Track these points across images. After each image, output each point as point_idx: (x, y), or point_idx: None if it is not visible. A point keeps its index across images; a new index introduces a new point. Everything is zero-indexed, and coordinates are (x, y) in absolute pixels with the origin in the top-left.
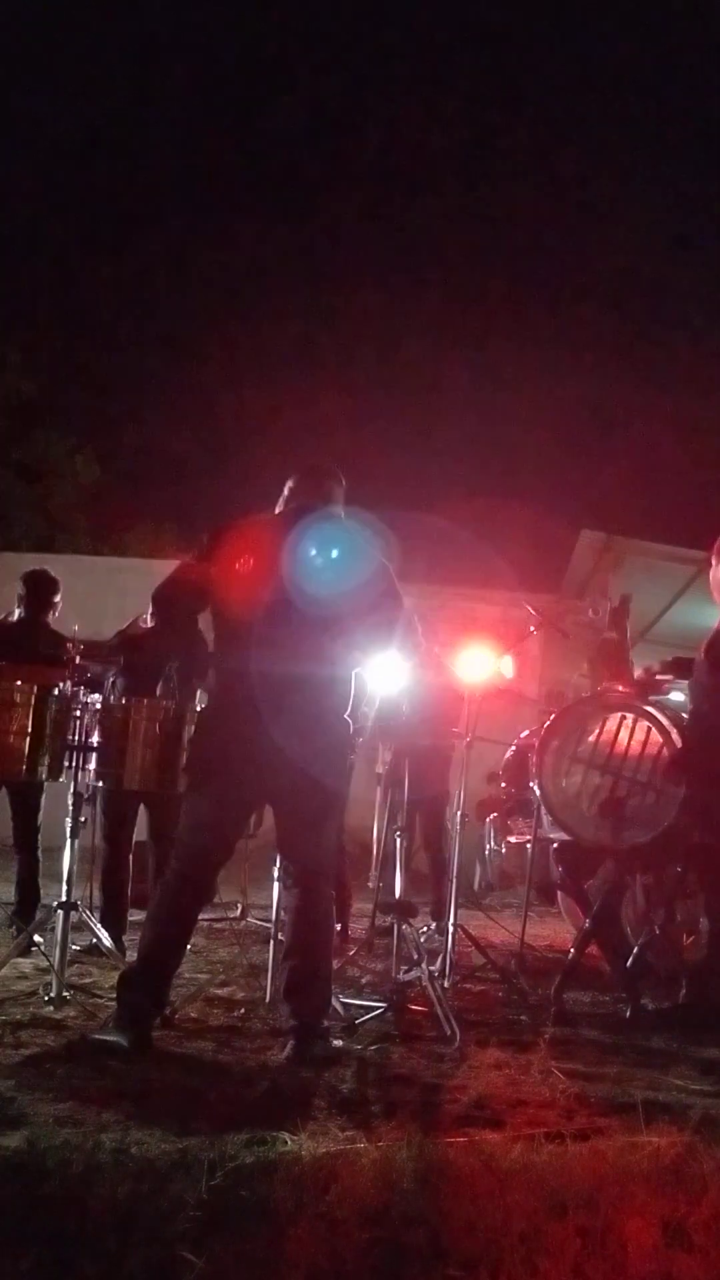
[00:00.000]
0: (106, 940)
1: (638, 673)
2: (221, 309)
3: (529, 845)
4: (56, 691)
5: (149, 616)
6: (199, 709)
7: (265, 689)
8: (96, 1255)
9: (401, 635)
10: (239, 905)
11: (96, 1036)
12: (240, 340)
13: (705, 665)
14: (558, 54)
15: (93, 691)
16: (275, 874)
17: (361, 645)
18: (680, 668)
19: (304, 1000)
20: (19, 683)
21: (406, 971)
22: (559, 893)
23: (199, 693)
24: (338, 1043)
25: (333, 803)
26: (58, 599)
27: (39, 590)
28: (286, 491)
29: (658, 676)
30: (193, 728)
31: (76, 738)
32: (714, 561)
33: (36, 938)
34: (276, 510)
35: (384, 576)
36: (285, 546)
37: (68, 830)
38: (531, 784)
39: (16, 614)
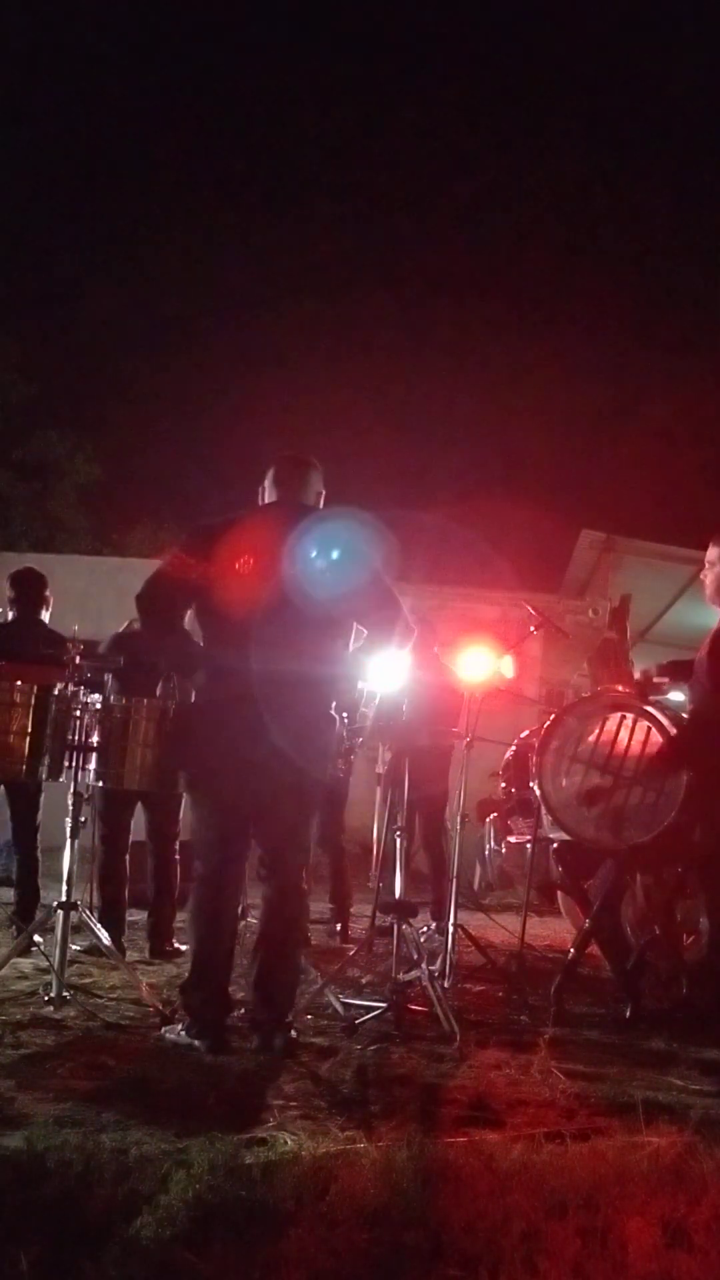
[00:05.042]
0: (106, 940)
1: (636, 674)
2: (223, 309)
3: (529, 845)
4: (56, 691)
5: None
6: (180, 705)
7: (261, 687)
8: (96, 1255)
9: (401, 633)
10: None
11: (172, 1038)
12: (242, 340)
13: (706, 667)
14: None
15: (93, 691)
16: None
17: (364, 643)
18: (678, 671)
19: (270, 992)
20: (19, 683)
21: (406, 971)
22: (559, 893)
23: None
24: (294, 1034)
25: (315, 801)
26: (48, 594)
27: (27, 588)
28: (268, 481)
29: (655, 680)
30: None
31: (76, 738)
32: (707, 566)
33: (36, 938)
34: (262, 500)
35: (378, 583)
36: (284, 546)
37: (68, 830)
38: (531, 784)
39: (9, 615)
